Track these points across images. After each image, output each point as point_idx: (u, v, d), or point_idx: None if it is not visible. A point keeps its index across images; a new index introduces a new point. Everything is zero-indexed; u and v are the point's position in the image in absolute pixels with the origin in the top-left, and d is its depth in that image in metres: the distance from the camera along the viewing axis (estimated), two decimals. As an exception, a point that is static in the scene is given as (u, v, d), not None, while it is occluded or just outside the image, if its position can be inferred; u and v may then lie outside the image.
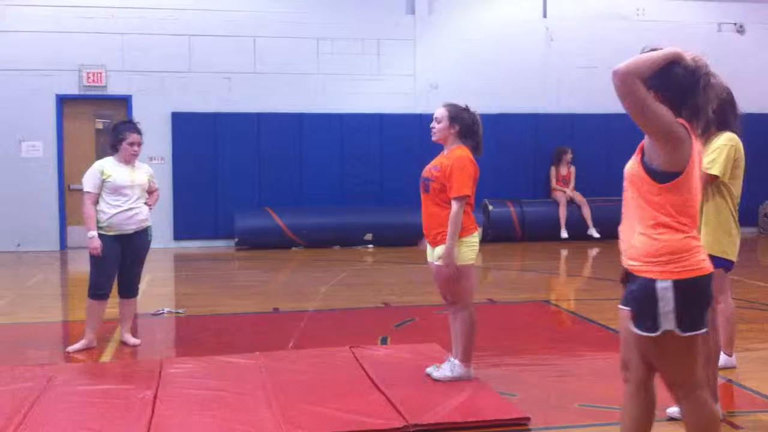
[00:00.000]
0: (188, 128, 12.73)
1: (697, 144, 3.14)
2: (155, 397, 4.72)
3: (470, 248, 5.07)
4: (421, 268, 10.80)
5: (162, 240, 12.62)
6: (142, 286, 9.31)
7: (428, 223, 5.10)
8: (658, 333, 3.09)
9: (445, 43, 13.63)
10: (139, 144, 6.17)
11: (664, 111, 3.02)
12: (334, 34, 13.19)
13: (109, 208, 6.03)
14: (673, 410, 4.36)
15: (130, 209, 6.09)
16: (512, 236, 13.02)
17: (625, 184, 3.22)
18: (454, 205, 4.95)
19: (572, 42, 13.83)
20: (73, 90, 12.52)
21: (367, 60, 13.36)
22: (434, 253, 5.08)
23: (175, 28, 12.62)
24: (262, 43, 12.96)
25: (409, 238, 12.51)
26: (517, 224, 13.06)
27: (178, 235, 12.76)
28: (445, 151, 5.20)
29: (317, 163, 13.10)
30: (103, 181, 6.03)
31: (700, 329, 3.11)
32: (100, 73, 12.51)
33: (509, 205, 13.16)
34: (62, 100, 12.48)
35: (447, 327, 6.99)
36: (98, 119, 12.54)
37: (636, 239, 3.13)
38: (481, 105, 13.72)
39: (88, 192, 6.04)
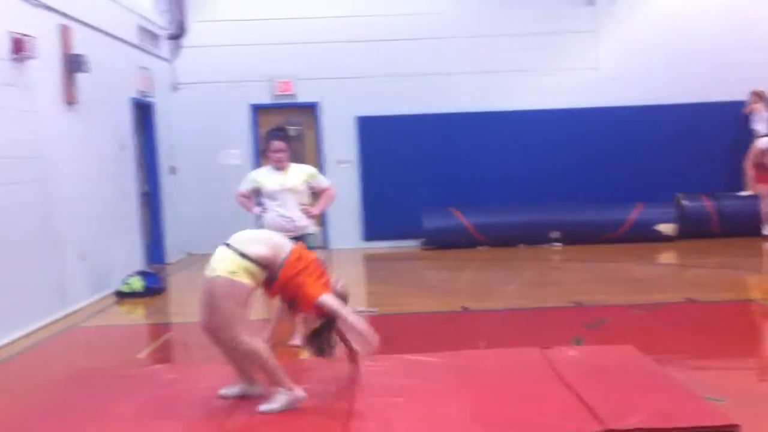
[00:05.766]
0: (373, 131, 13.03)
1: None
2: (351, 393, 4.83)
3: None
4: (612, 266, 10.49)
5: (352, 240, 13.02)
6: (337, 286, 9.66)
7: None
8: None
9: (628, 33, 13.13)
10: (282, 150, 6.34)
11: None
12: (514, 31, 13.02)
13: (267, 212, 6.35)
14: None
15: (283, 214, 6.26)
16: (708, 232, 12.33)
17: None
18: None
19: (770, 23, 12.89)
20: (265, 99, 13.15)
21: (547, 54, 13.10)
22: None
23: (358, 35, 12.91)
24: (444, 44, 12.99)
25: (597, 235, 12.19)
26: (714, 219, 12.34)
27: (368, 235, 13.08)
28: None
29: (501, 161, 12.99)
30: (258, 189, 6.39)
31: None
32: (290, 82, 13.06)
33: (704, 200, 12.47)
34: (256, 110, 13.14)
35: (642, 328, 6.74)
36: (289, 126, 13.08)
37: None
38: (669, 95, 13.32)
39: (239, 189, 6.54)
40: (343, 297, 4.80)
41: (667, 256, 11.44)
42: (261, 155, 6.61)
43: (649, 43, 13.03)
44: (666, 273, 10.43)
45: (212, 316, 4.59)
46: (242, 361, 4.75)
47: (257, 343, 4.65)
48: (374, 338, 4.55)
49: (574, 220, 12.38)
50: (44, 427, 4.57)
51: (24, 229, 7.54)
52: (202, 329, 4.74)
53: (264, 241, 4.66)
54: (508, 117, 12.99)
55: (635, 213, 12.23)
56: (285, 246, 4.69)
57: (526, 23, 13.02)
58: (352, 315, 4.60)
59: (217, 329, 4.61)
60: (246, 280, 4.50)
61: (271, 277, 4.60)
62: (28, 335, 7.21)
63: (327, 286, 4.68)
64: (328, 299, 4.57)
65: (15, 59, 7.44)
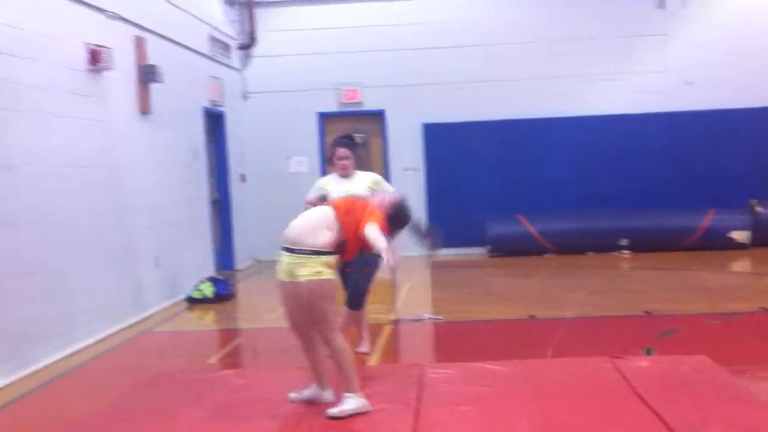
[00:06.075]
0: (439, 138, 13.04)
1: None
2: (418, 400, 4.86)
3: None
4: (683, 274, 10.28)
5: (418, 247, 13.00)
6: (403, 293, 9.69)
7: None
8: None
9: (699, 36, 12.85)
10: (347, 158, 6.36)
11: None
12: (583, 35, 12.87)
13: None
14: None
15: None
16: (785, 240, 11.98)
17: None
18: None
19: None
20: (332, 107, 13.29)
21: (616, 59, 12.93)
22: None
23: (424, 42, 12.93)
24: (511, 50, 12.91)
25: (668, 242, 11.96)
26: (792, 226, 11.98)
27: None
28: None
29: (568, 167, 12.86)
30: (325, 196, 6.34)
31: None
32: (357, 90, 13.17)
33: (780, 206, 12.12)
34: (323, 117, 13.28)
35: (715, 338, 6.59)
36: (356, 134, 13.16)
37: None
38: (741, 98, 12.95)
39: (307, 197, 6.47)
40: (394, 210, 4.79)
41: (741, 265, 11.16)
42: (327, 162, 6.61)
43: (720, 46, 12.74)
44: (740, 282, 10.18)
45: (307, 318, 4.68)
46: (323, 363, 4.83)
47: (345, 342, 4.76)
48: (395, 266, 4.46)
49: (644, 227, 12.17)
50: (120, 428, 4.71)
51: (102, 236, 7.76)
52: (292, 332, 4.84)
53: (320, 226, 4.67)
54: (576, 122, 12.86)
55: (707, 220, 11.96)
56: (329, 215, 4.73)
57: (595, 27, 12.88)
58: (382, 243, 4.52)
59: (311, 330, 4.72)
60: (329, 274, 4.58)
61: (341, 246, 4.66)
62: (105, 339, 7.42)
63: (374, 214, 4.67)
64: (368, 230, 4.56)
65: (92, 70, 7.67)
